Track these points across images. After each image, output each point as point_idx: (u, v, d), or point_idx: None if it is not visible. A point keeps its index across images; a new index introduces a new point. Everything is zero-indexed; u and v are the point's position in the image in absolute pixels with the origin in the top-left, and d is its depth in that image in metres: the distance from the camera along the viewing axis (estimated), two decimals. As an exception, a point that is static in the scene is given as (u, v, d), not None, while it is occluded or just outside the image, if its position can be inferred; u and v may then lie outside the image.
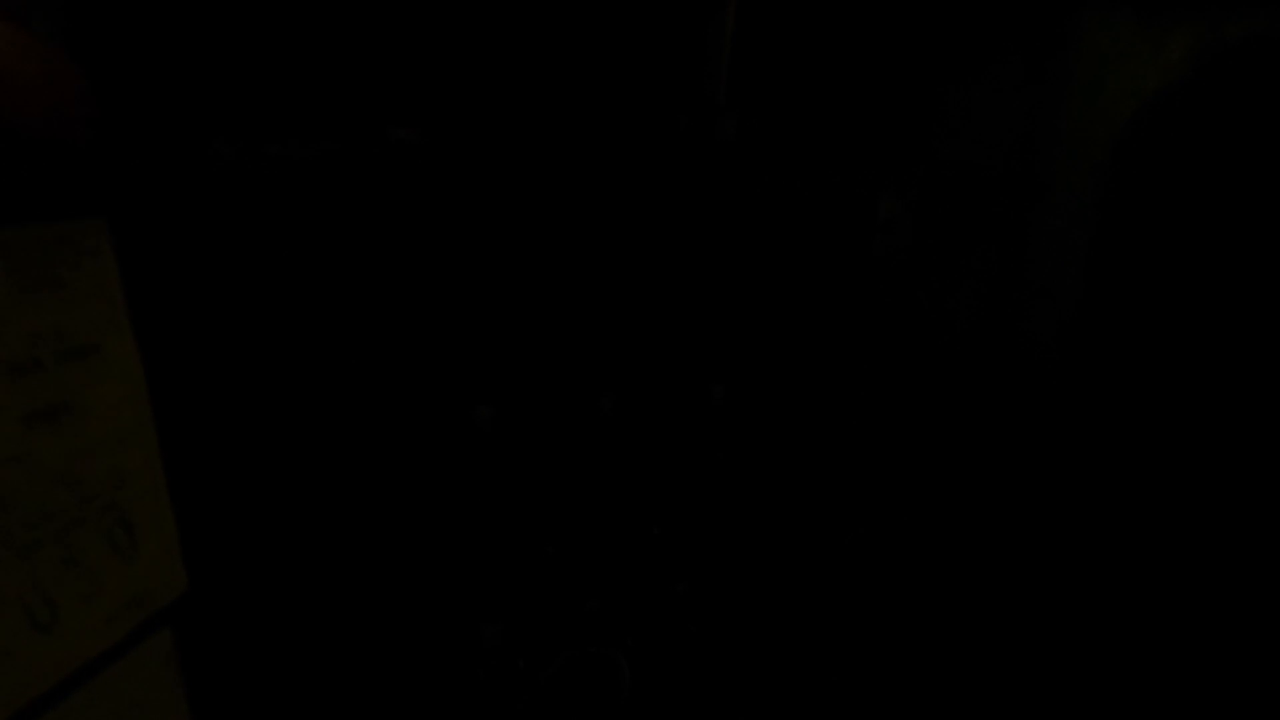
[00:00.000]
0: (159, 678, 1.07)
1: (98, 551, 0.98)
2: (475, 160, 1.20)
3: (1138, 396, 1.30)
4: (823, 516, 1.36)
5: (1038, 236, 1.34)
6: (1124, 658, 1.27)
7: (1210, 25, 1.24)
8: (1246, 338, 1.26)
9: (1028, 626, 1.31)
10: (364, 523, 1.21)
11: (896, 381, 1.37)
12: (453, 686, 1.25)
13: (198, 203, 1.04)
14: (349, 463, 1.19)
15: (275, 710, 1.17)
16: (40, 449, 0.90)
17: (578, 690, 1.27)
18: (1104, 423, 1.31)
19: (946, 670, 1.32)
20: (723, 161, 1.26)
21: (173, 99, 1.06)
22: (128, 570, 1.02)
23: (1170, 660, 1.25)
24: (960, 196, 1.34)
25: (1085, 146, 1.31)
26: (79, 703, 0.97)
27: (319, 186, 1.14)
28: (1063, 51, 1.31)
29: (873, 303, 1.36)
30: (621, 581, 1.29)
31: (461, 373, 1.24)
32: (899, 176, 1.35)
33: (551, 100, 1.21)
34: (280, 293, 1.12)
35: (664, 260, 1.28)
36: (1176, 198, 1.26)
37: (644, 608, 1.30)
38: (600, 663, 1.28)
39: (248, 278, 1.09)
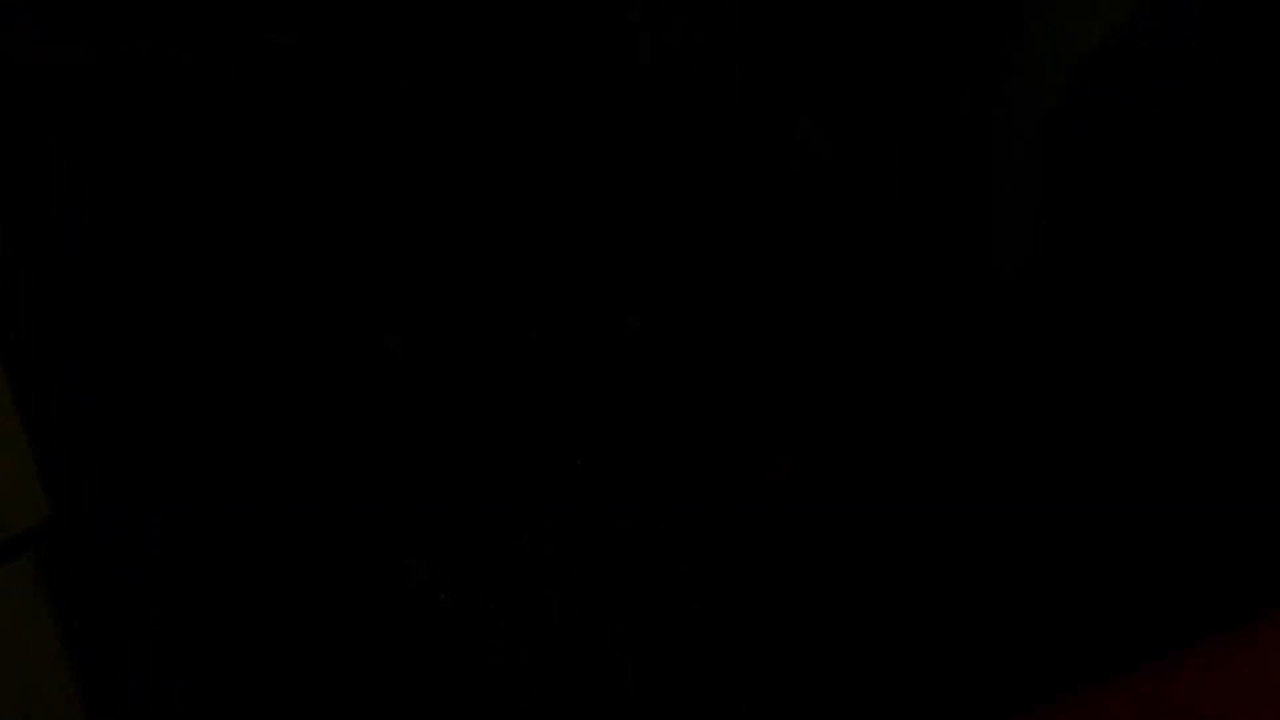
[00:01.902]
0: (21, 605, 1.01)
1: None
2: (360, 69, 1.13)
3: (1096, 316, 1.23)
4: (748, 447, 1.28)
5: (995, 156, 1.26)
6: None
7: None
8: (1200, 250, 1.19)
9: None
10: (261, 442, 1.15)
11: (833, 301, 1.29)
12: (371, 624, 1.18)
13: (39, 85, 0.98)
14: (241, 370, 1.13)
15: (159, 641, 1.11)
16: None
17: (508, 631, 1.20)
18: (1062, 343, 1.24)
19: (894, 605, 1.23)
20: (636, 82, 1.18)
21: None
22: (-29, 488, 0.96)
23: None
24: (902, 115, 1.26)
25: (1047, 62, 1.23)
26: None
27: (188, 92, 1.07)
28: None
29: (798, 225, 1.28)
30: (549, 516, 1.22)
31: (367, 297, 1.17)
32: (824, 98, 1.26)
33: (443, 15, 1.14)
34: (147, 186, 1.05)
35: (574, 179, 1.20)
36: (1138, 119, 1.19)
37: (574, 544, 1.22)
38: (529, 602, 1.20)
39: (106, 168, 1.03)
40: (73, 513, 1.03)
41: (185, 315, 1.09)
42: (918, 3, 1.23)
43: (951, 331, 1.28)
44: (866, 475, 1.27)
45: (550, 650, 1.20)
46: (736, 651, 1.22)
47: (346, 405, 1.17)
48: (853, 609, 1.22)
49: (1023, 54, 1.25)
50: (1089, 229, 1.25)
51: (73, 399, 1.04)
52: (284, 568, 1.15)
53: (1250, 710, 1.03)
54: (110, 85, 1.05)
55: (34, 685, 1.03)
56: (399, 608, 1.19)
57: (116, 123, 1.04)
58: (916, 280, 1.27)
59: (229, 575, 1.13)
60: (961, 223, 1.28)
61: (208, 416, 1.11)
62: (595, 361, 1.22)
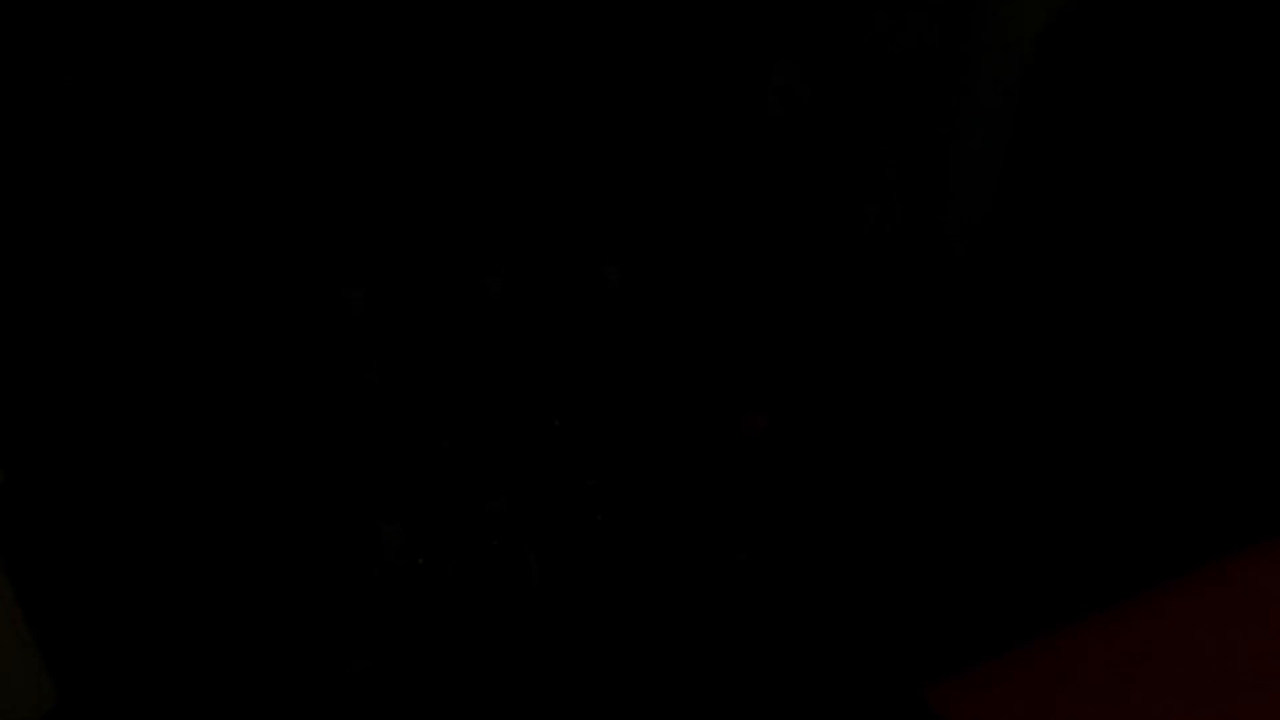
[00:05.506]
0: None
1: None
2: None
3: (1047, 300, 1.25)
4: (722, 405, 1.27)
5: (955, 132, 1.27)
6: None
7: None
8: (1159, 241, 1.23)
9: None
10: (237, 412, 1.09)
11: (800, 264, 1.29)
12: (348, 589, 1.13)
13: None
14: (213, 335, 1.07)
15: (121, 613, 1.05)
16: None
17: (483, 588, 1.16)
18: (1011, 328, 1.27)
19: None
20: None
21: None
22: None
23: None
24: (871, 80, 1.26)
25: (1007, 47, 1.26)
26: None
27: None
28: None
29: (772, 179, 1.27)
30: (525, 478, 1.18)
31: (326, 250, 1.12)
32: (800, 48, 1.26)
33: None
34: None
35: (547, 128, 1.17)
36: (1096, 104, 1.23)
37: (550, 504, 1.19)
38: (506, 559, 1.16)
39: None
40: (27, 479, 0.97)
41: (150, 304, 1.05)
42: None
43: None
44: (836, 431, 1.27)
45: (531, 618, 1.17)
46: (714, 618, 1.20)
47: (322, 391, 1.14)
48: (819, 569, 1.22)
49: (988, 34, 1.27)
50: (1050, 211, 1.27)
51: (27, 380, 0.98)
52: (253, 544, 1.11)
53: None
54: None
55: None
56: (381, 591, 1.15)
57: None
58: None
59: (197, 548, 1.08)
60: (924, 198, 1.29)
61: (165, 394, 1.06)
62: (568, 316, 1.20)
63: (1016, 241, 1.27)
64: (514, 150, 1.17)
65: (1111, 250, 1.25)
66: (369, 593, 1.11)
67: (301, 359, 1.12)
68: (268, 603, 1.10)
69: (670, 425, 1.23)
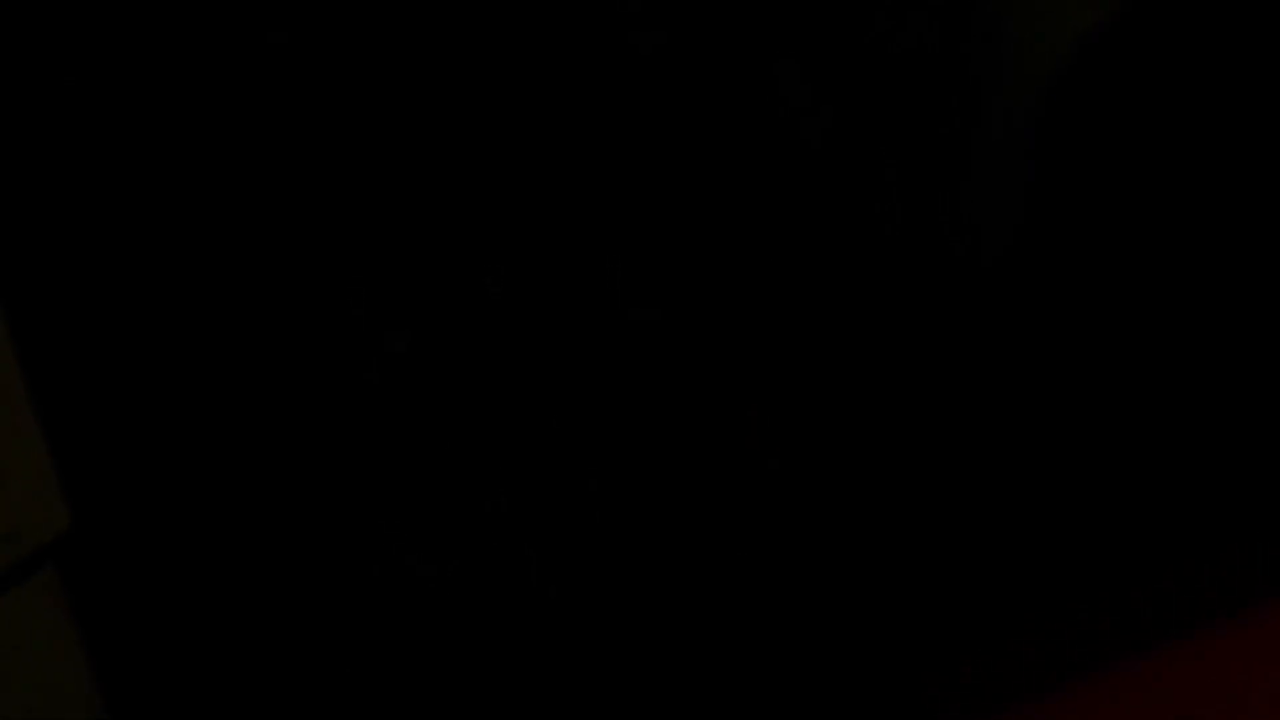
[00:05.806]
0: (44, 618, 0.98)
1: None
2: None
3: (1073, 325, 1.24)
4: (723, 406, 1.26)
5: (955, 133, 1.27)
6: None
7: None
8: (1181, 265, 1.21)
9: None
10: (267, 448, 1.12)
11: (798, 260, 1.28)
12: (381, 626, 1.16)
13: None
14: (250, 373, 1.10)
15: (185, 651, 1.08)
16: None
17: (483, 588, 1.17)
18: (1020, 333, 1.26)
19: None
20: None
21: None
22: (-8, 502, 0.93)
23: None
24: (872, 80, 1.26)
25: (1029, 61, 1.24)
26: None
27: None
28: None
29: (771, 178, 1.27)
30: (525, 478, 1.19)
31: (326, 251, 1.11)
32: (800, 48, 1.26)
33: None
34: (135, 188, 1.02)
35: (544, 129, 1.16)
36: (1122, 122, 1.21)
37: (551, 505, 1.19)
38: (506, 559, 1.17)
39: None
40: (94, 523, 1.00)
41: (202, 316, 1.06)
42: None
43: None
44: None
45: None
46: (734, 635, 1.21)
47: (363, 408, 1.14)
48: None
49: (1016, 35, 1.26)
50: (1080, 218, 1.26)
51: (93, 403, 1.00)
52: (305, 572, 1.13)
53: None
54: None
55: (59, 703, 1.00)
56: (411, 608, 1.17)
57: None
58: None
59: (252, 581, 1.11)
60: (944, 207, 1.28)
61: (228, 419, 1.08)
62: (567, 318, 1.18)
63: (1018, 242, 1.26)
64: (511, 151, 1.16)
65: (1121, 253, 1.23)
66: (374, 596, 1.13)
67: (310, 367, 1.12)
68: (310, 634, 1.12)
69: (670, 426, 1.22)
